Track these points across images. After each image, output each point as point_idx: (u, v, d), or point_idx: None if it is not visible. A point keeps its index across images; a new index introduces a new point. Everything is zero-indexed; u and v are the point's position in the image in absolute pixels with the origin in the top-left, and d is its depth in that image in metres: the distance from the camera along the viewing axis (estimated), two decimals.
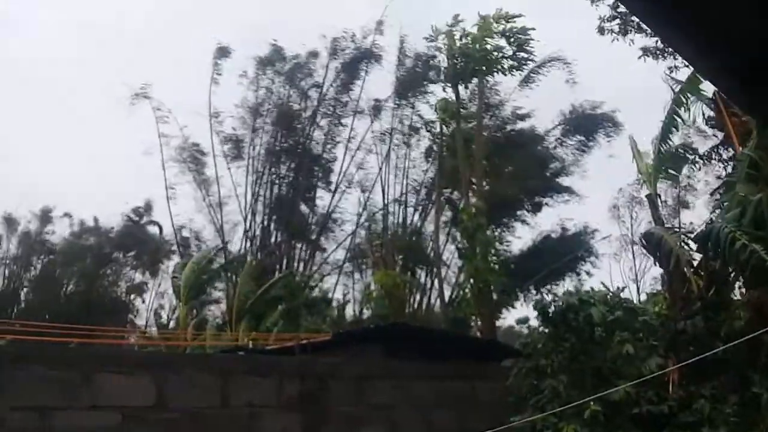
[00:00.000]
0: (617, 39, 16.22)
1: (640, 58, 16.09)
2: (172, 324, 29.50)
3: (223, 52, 28.13)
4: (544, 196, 26.51)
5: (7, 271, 33.39)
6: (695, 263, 9.62)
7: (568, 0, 23.70)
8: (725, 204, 10.31)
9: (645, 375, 7.67)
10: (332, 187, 28.47)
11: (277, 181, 28.59)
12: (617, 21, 16.03)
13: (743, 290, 9.51)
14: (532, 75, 24.04)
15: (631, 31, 15.99)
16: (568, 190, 26.44)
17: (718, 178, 16.18)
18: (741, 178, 9.81)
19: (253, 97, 28.33)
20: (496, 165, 24.48)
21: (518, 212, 26.64)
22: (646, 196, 13.77)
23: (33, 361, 6.61)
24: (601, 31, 16.21)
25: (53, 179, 39.26)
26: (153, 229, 34.66)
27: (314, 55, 28.38)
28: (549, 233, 26.77)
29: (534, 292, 24.33)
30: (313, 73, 28.71)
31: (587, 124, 25.97)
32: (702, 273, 9.31)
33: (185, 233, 31.31)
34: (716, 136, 15.45)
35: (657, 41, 15.60)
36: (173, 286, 25.80)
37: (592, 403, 7.54)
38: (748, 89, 2.41)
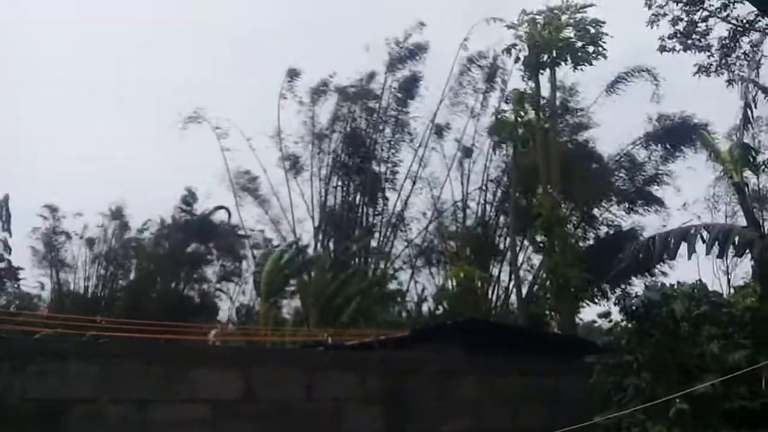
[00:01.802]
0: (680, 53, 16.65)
1: (695, 75, 16.50)
2: (251, 320, 30.22)
3: (293, 74, 29.03)
4: (634, 203, 26.24)
5: (101, 271, 34.78)
6: None
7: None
8: None
9: (733, 370, 7.40)
10: (403, 186, 28.88)
11: (345, 185, 29.20)
12: (677, 38, 16.50)
13: None
14: (617, 83, 23.86)
15: (692, 48, 16.40)
16: (658, 201, 26.07)
17: None
18: None
19: (320, 114, 29.18)
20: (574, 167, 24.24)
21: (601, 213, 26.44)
22: (734, 184, 13.36)
23: (129, 357, 6.93)
24: (662, 49, 16.70)
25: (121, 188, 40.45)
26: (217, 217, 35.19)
27: (371, 76, 29.01)
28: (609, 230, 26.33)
29: (610, 289, 23.94)
30: (377, 89, 29.26)
31: (673, 135, 25.38)
32: None
33: (257, 235, 32.21)
34: None
35: (712, 59, 16.17)
36: (254, 282, 26.48)
37: (677, 400, 7.33)
38: None
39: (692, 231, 9.88)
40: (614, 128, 27.63)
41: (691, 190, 32.31)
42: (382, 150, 29.38)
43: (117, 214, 34.92)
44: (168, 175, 43.36)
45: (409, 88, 29.05)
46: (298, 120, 29.26)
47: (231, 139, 28.73)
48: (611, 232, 26.18)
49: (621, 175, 26.80)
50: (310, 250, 28.04)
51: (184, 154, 43.05)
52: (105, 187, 41.58)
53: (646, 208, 26.58)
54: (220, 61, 41.31)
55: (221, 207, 33.81)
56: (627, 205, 26.67)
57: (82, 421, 6.31)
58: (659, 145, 25.94)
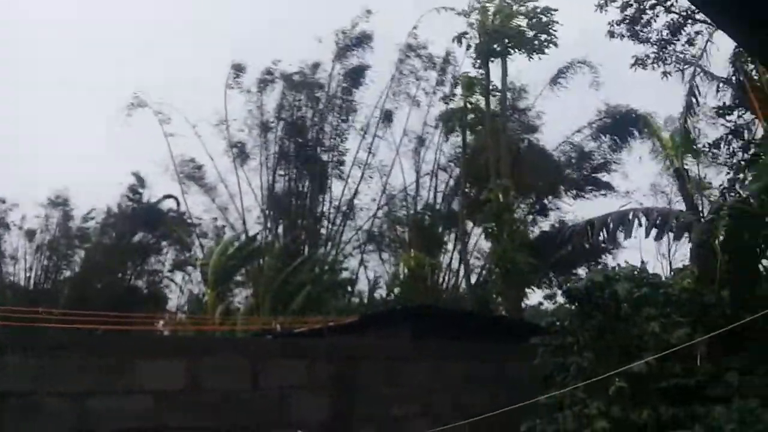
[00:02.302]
0: (626, 39, 16.95)
1: (632, 67, 16.88)
2: (200, 309, 29.85)
3: (238, 68, 28.78)
4: (582, 189, 26.76)
5: (44, 262, 33.81)
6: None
7: None
8: (750, 177, 10.22)
9: (671, 348, 7.63)
10: (350, 174, 28.88)
11: (292, 173, 29.10)
12: (625, 24, 16.75)
13: None
14: (560, 76, 24.26)
15: (638, 36, 16.70)
16: (606, 186, 26.65)
17: (726, 164, 16.16)
18: None
19: (267, 102, 28.99)
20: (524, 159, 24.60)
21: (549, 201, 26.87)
22: (675, 170, 13.73)
23: (70, 349, 6.77)
24: (611, 35, 16.96)
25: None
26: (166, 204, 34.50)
27: (315, 66, 28.79)
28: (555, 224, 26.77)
29: (556, 277, 24.39)
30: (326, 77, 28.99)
31: (620, 125, 25.94)
32: (729, 246, 9.20)
33: (205, 224, 31.91)
34: (725, 125, 15.44)
35: (651, 50, 16.46)
36: (201, 272, 26.18)
37: (617, 378, 7.53)
38: None
39: (630, 215, 10.12)
40: (562, 117, 28.08)
41: (642, 179, 33.07)
42: (330, 138, 29.34)
43: (59, 204, 33.98)
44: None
45: (358, 76, 29.04)
46: (252, 109, 29.05)
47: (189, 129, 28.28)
48: (557, 225, 26.64)
49: (570, 163, 27.29)
50: (260, 238, 27.87)
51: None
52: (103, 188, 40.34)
53: (594, 193, 27.14)
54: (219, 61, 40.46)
55: (169, 196, 33.23)
56: (575, 192, 27.18)
57: (20, 415, 6.17)
58: (607, 136, 26.54)
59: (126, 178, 33.59)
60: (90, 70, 40.49)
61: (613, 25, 17.02)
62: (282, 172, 28.96)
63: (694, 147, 14.40)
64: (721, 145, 15.74)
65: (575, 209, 26.94)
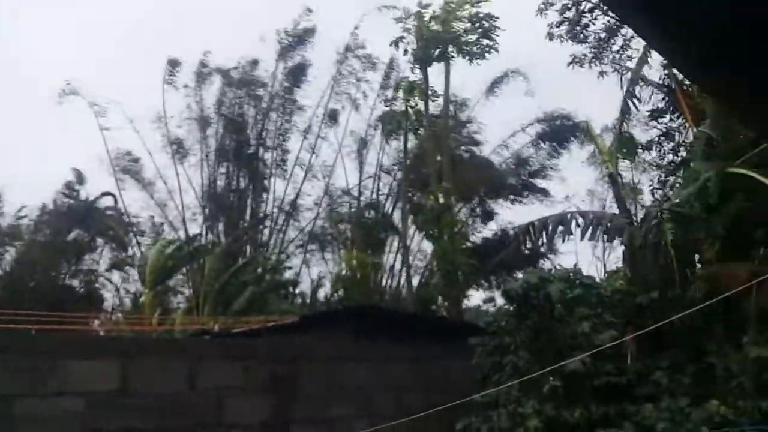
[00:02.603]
0: (566, 42, 17.18)
1: (569, 65, 17.10)
2: (138, 309, 29.13)
3: (174, 64, 28.29)
4: (520, 194, 27.16)
5: None
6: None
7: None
8: (680, 182, 10.61)
9: (602, 348, 7.84)
10: (293, 174, 28.68)
11: (233, 171, 28.76)
12: (565, 26, 16.95)
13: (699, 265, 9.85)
14: (495, 85, 24.65)
15: (576, 38, 16.92)
16: (542, 191, 27.11)
17: (658, 166, 16.63)
18: (697, 156, 10.09)
19: (206, 97, 28.58)
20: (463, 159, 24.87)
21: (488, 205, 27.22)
22: (608, 175, 14.04)
23: None
24: (550, 36, 17.14)
25: None
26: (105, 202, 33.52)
27: (254, 63, 28.58)
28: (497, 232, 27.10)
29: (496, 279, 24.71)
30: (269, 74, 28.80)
31: (557, 132, 26.44)
32: (662, 249, 9.49)
33: (143, 223, 31.26)
34: (657, 128, 15.88)
35: (588, 50, 16.66)
36: (139, 272, 25.61)
37: (551, 377, 7.70)
38: (709, 71, 2.56)
39: (568, 217, 10.40)
40: (504, 125, 28.31)
41: (580, 185, 33.89)
42: (273, 137, 29.03)
43: None
44: None
45: (300, 74, 28.82)
46: (191, 104, 28.53)
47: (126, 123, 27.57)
48: (499, 232, 26.98)
49: (509, 169, 27.70)
50: (200, 237, 27.44)
51: None
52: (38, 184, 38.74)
53: (531, 197, 27.61)
54: None
55: (107, 193, 32.34)
56: (512, 198, 27.58)
57: None
58: (546, 142, 27.05)
59: (62, 174, 32.62)
60: (22, 63, 39.34)
61: (552, 27, 17.20)
62: (222, 170, 28.55)
63: (634, 144, 14.73)
64: (653, 148, 16.20)
65: (513, 215, 27.38)
